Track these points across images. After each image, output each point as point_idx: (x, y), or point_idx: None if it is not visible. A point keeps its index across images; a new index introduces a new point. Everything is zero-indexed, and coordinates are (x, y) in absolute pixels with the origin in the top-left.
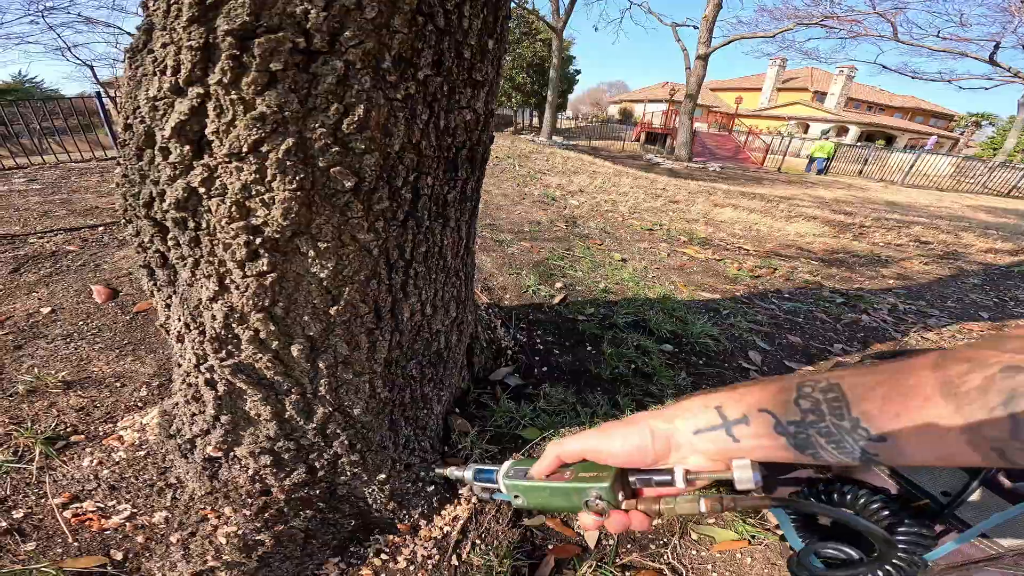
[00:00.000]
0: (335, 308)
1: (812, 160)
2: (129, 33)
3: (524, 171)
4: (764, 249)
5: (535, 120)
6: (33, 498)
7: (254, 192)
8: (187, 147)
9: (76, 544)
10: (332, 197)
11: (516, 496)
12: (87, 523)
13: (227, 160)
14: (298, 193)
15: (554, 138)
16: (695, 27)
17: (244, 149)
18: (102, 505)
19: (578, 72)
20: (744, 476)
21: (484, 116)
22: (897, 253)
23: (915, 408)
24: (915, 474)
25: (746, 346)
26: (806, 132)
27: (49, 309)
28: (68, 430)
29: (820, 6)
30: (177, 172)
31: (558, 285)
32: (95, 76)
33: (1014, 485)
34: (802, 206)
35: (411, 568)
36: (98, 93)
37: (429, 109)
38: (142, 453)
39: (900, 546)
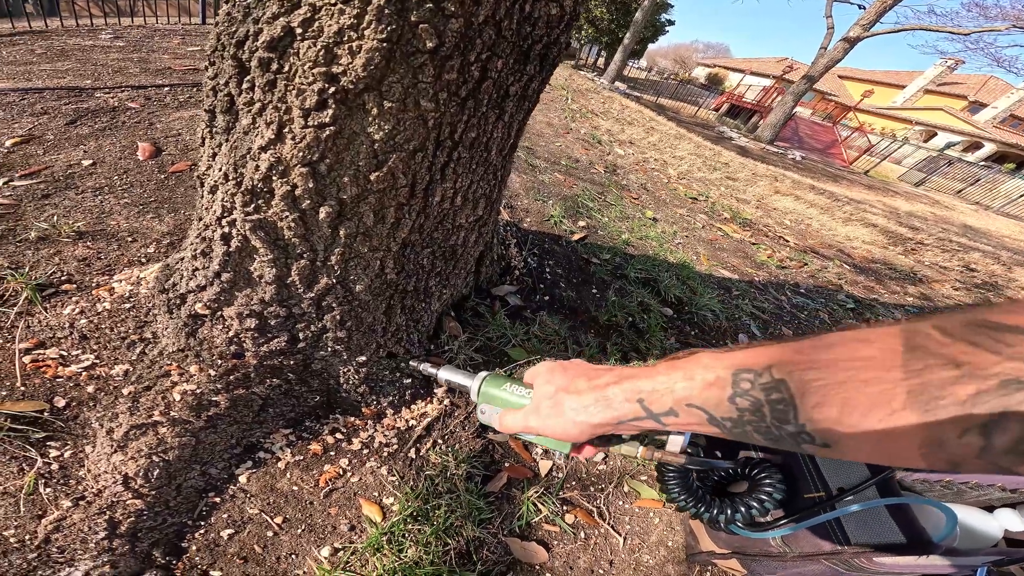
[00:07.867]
0: (376, 174)
1: None
2: None
3: (576, 107)
4: (804, 244)
5: (601, 60)
6: (0, 341)
7: (346, 38)
8: None
9: (23, 388)
10: (410, 56)
11: (483, 413)
12: (43, 369)
13: (333, 2)
14: (384, 44)
15: (617, 84)
16: (861, 7)
17: None
18: (65, 353)
19: (671, 23)
20: (675, 445)
21: (568, 16)
22: (936, 275)
23: (877, 420)
24: (825, 466)
25: (740, 328)
26: (926, 141)
27: (90, 162)
28: (63, 278)
29: None
30: (282, 9)
31: (581, 224)
32: None
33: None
34: (869, 212)
35: (365, 452)
36: None
37: None
38: (127, 306)
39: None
